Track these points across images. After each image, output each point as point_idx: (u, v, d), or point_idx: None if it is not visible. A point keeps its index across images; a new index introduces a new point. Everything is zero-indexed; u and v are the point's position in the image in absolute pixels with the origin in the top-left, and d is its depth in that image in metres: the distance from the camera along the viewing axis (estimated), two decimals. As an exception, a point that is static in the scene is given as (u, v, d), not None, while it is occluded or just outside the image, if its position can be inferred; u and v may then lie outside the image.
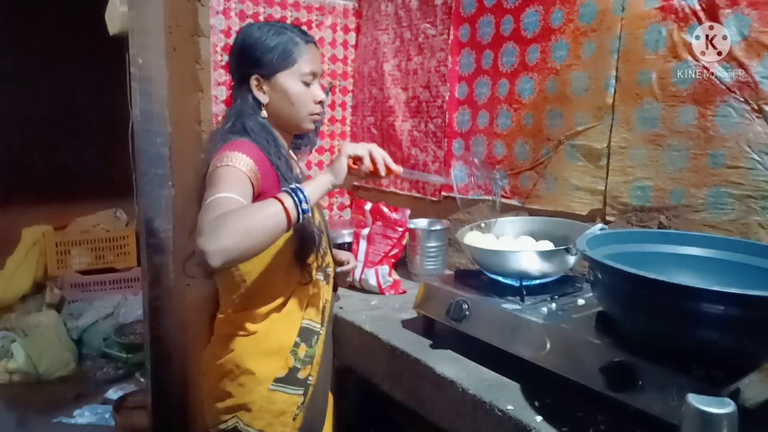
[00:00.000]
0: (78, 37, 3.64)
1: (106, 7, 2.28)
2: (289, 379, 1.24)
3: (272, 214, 0.99)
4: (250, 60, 1.23)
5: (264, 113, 1.25)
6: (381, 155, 1.10)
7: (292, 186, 1.04)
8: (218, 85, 1.99)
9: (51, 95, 4.00)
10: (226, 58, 1.98)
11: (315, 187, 1.06)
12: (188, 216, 1.51)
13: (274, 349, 1.23)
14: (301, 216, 1.02)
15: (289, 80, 1.24)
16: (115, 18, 2.20)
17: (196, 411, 1.86)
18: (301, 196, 1.02)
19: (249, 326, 1.22)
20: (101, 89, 3.69)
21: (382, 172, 1.10)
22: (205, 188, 1.18)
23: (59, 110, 4.04)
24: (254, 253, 0.99)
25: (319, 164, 2.38)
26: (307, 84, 1.26)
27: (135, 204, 2.21)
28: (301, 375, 1.25)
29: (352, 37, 2.36)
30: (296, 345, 1.25)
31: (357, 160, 1.09)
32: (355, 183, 2.41)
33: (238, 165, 1.10)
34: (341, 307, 1.61)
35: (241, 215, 0.97)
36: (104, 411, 2.70)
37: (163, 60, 1.73)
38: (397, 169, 1.13)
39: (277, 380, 1.23)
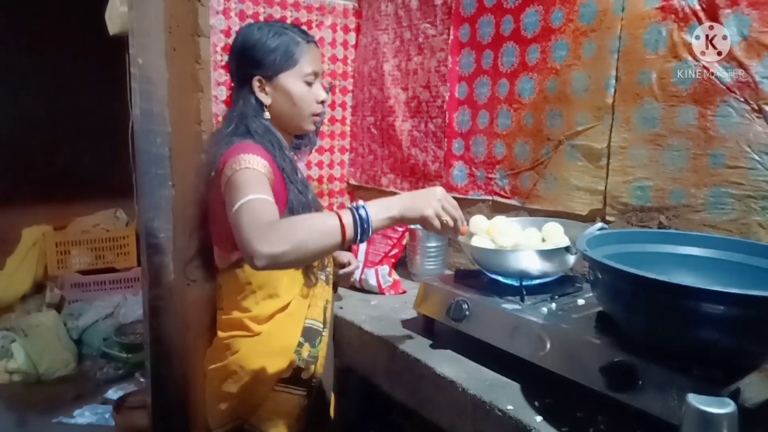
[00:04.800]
0: (78, 37, 3.63)
1: (106, 7, 2.28)
2: (294, 379, 1.24)
3: (328, 233, 0.94)
4: (252, 61, 1.23)
5: (267, 115, 1.25)
6: (455, 220, 1.02)
7: (358, 206, 0.97)
8: (218, 85, 1.99)
9: (51, 95, 4.00)
10: (226, 58, 1.97)
11: (380, 222, 0.97)
12: (188, 216, 1.51)
13: (278, 350, 1.23)
14: (358, 238, 0.95)
15: (291, 81, 1.24)
16: (115, 18, 2.20)
17: (196, 411, 1.85)
18: (364, 216, 0.95)
19: (254, 327, 1.22)
20: (101, 89, 3.68)
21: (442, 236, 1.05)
22: (209, 190, 1.18)
23: (59, 110, 4.04)
24: (300, 264, 0.97)
25: (319, 164, 2.38)
26: (309, 84, 1.25)
27: (135, 204, 2.21)
28: (304, 375, 1.25)
29: (352, 37, 2.36)
30: (300, 345, 1.25)
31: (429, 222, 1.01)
32: (354, 182, 2.42)
33: (257, 166, 1.09)
34: (341, 307, 1.61)
35: (296, 225, 0.95)
36: (104, 411, 2.70)
37: (163, 60, 1.72)
38: (463, 231, 1.06)
39: (282, 381, 1.23)
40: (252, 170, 1.08)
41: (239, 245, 0.94)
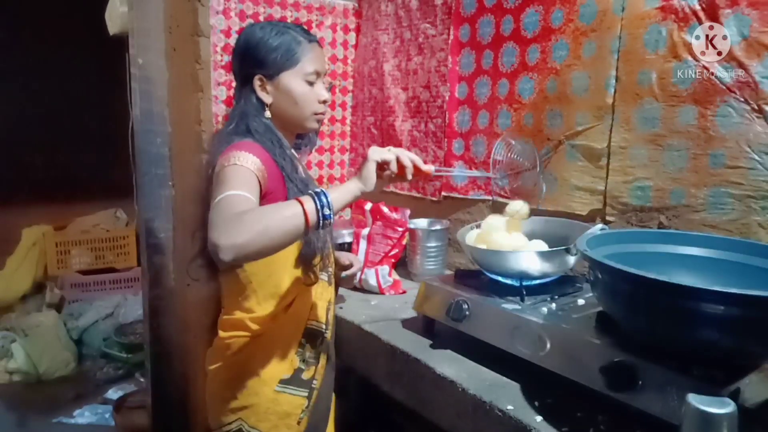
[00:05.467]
0: (78, 37, 3.63)
1: (106, 7, 2.28)
2: (294, 380, 1.24)
3: (290, 216, 0.96)
4: (254, 60, 1.23)
5: (268, 114, 1.25)
6: (408, 157, 1.07)
7: (317, 190, 1.00)
8: (218, 85, 1.99)
9: (51, 95, 4.00)
10: (226, 58, 1.98)
11: (341, 194, 1.02)
12: (188, 216, 1.51)
13: (279, 350, 1.23)
14: (321, 221, 0.98)
15: (293, 80, 1.24)
16: (115, 18, 2.20)
17: (196, 411, 1.86)
18: (324, 200, 0.98)
19: (255, 328, 1.22)
20: (101, 89, 3.68)
21: (409, 176, 1.08)
22: (210, 189, 1.18)
23: (59, 110, 4.03)
24: (267, 253, 0.97)
25: (319, 164, 2.38)
26: (310, 83, 1.25)
27: (135, 204, 2.20)
28: (305, 376, 1.25)
29: (352, 37, 2.36)
30: (301, 346, 1.25)
31: (384, 164, 1.05)
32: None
33: (246, 164, 1.09)
34: (341, 307, 1.61)
35: (259, 214, 0.97)
36: (104, 411, 2.70)
37: (163, 60, 1.72)
38: (428, 168, 1.10)
39: (283, 381, 1.22)
40: (240, 167, 1.08)
41: (208, 242, 0.94)
